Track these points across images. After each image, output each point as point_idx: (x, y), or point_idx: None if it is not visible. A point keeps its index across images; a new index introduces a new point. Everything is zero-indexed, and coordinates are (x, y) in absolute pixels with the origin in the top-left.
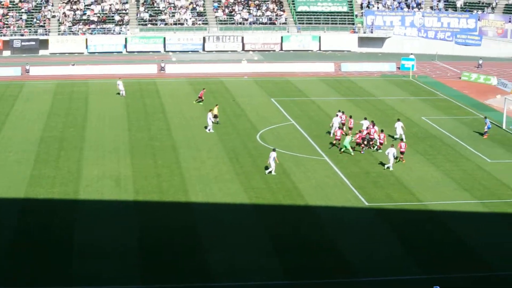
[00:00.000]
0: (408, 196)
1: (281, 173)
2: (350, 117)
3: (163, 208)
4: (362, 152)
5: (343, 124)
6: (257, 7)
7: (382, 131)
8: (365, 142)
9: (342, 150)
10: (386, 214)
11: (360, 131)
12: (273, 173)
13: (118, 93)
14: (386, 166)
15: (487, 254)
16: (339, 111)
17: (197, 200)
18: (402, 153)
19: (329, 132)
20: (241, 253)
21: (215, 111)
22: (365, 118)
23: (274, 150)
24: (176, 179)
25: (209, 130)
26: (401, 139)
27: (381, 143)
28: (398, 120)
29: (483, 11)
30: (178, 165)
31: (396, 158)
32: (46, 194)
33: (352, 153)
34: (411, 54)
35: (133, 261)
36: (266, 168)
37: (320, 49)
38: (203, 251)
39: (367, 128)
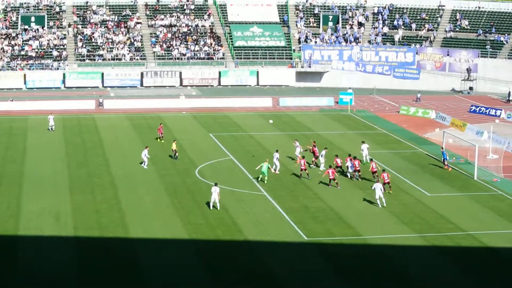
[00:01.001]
0: (348, 230)
1: (220, 208)
2: (336, 156)
3: (103, 244)
4: (338, 187)
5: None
6: (195, 42)
7: (355, 158)
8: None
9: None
10: (326, 248)
11: (330, 166)
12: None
13: (48, 128)
14: (378, 202)
15: (427, 285)
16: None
17: (137, 235)
18: (386, 183)
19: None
20: None
21: (174, 146)
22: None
23: (216, 184)
24: (116, 215)
25: (144, 165)
26: (383, 170)
27: (373, 172)
28: (363, 142)
29: (421, 45)
30: (117, 200)
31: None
32: None
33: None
34: (349, 88)
35: None
36: (208, 204)
37: (258, 84)
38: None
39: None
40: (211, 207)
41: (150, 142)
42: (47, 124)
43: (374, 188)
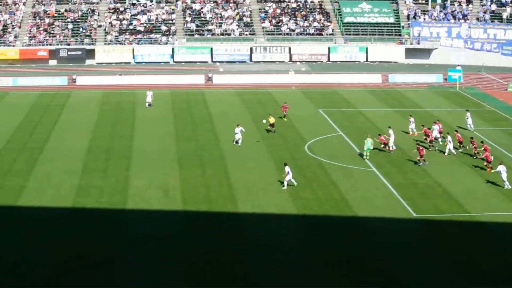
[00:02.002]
0: (456, 207)
1: (329, 184)
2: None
3: (211, 218)
4: (420, 164)
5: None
6: (304, 18)
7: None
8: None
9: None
10: (434, 225)
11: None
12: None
13: (146, 105)
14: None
15: None
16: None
17: (246, 210)
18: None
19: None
20: (287, 265)
21: (271, 120)
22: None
23: (285, 164)
24: (224, 189)
25: (236, 142)
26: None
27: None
28: (467, 110)
29: None
30: (226, 174)
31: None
32: (93, 204)
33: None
34: (458, 65)
35: (178, 275)
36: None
37: (367, 60)
38: (249, 263)
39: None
40: (285, 186)
41: (259, 117)
42: (162, 99)
43: (500, 171)
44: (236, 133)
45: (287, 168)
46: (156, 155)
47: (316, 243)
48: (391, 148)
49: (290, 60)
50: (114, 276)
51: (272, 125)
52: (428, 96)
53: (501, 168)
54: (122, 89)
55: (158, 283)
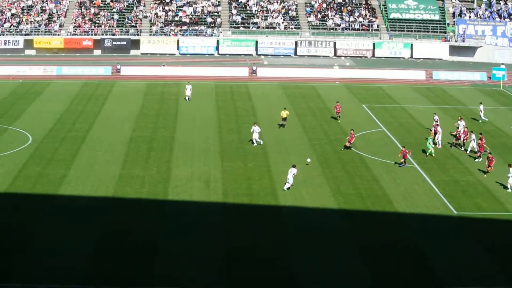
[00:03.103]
0: (497, 206)
1: (370, 179)
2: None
3: (252, 211)
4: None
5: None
6: (350, 13)
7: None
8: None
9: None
10: (475, 224)
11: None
12: (284, 188)
13: (185, 98)
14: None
15: None
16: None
17: (286, 203)
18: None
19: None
20: (327, 259)
21: (284, 114)
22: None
23: (294, 166)
24: (266, 182)
25: (254, 143)
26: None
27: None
28: (481, 103)
29: None
30: (268, 168)
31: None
32: (134, 194)
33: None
34: (502, 64)
35: (218, 264)
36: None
37: (411, 57)
38: (289, 255)
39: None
40: (285, 187)
41: (302, 110)
42: (207, 90)
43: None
44: (253, 132)
45: (294, 170)
46: (198, 146)
47: (357, 236)
48: (439, 145)
49: (335, 54)
50: (154, 264)
51: (284, 119)
52: (471, 94)
53: None
54: (166, 80)
55: (198, 272)
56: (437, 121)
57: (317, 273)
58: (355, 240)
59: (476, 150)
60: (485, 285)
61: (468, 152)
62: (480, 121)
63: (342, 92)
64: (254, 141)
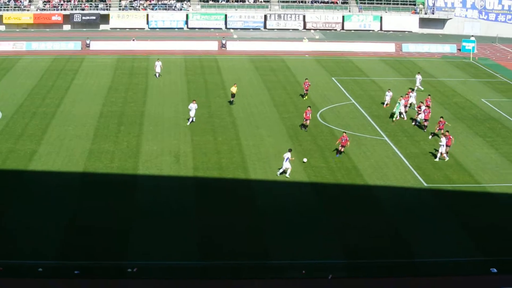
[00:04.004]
0: (467, 178)
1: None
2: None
3: (222, 184)
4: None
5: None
6: None
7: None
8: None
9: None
10: (445, 196)
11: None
12: (287, 175)
13: (155, 75)
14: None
15: None
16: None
17: (256, 177)
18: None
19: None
20: (298, 232)
21: (234, 90)
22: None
23: (289, 150)
24: (236, 156)
25: (191, 121)
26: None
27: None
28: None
29: None
30: (238, 141)
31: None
32: (105, 169)
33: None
34: (472, 36)
35: (191, 240)
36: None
37: (381, 29)
38: (260, 230)
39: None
40: (278, 173)
41: (272, 84)
42: (175, 64)
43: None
44: (190, 109)
45: (287, 155)
46: (168, 121)
47: (327, 209)
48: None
49: (304, 28)
50: (128, 240)
51: (233, 95)
52: (441, 66)
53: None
54: (135, 54)
55: (172, 246)
56: (413, 90)
57: (288, 248)
58: (326, 213)
59: (425, 124)
60: (457, 257)
61: (415, 123)
62: (416, 89)
63: (311, 65)
64: (191, 118)
